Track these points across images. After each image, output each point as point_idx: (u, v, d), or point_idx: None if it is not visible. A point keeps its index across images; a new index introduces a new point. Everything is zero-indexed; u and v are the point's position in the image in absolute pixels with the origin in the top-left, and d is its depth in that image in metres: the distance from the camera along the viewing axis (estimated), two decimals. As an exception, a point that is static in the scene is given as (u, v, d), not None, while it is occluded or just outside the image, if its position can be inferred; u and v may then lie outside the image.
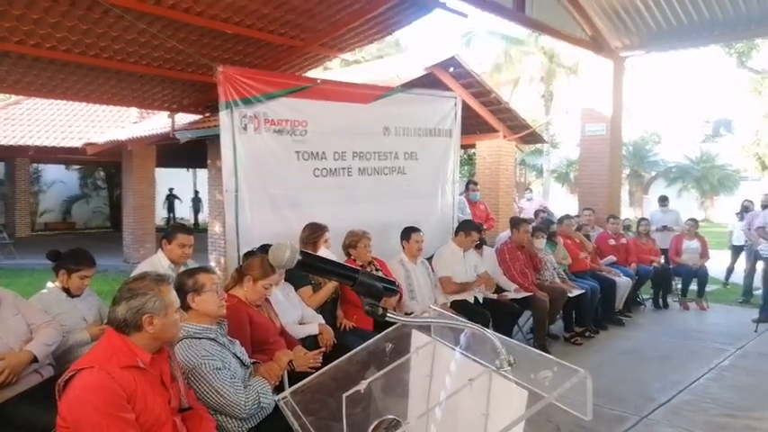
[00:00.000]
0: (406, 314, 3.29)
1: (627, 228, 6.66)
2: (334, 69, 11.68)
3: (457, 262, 3.94)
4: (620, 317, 5.19)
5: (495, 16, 5.30)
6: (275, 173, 3.47)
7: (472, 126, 7.95)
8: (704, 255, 6.02)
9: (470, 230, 3.99)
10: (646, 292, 5.95)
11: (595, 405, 1.00)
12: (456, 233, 4.09)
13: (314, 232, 3.21)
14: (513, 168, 9.84)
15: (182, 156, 10.33)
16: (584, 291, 4.56)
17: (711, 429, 2.92)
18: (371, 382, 1.31)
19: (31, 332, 2.21)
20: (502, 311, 3.90)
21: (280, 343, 2.39)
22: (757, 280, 6.03)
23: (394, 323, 1.25)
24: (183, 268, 2.71)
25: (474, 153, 10.05)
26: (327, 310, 3.14)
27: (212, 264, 6.69)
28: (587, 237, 5.48)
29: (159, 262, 2.85)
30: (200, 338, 1.86)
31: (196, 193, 16.14)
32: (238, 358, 1.97)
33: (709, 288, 6.13)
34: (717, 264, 6.70)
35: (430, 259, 4.01)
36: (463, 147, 7.05)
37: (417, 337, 1.45)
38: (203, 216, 13.49)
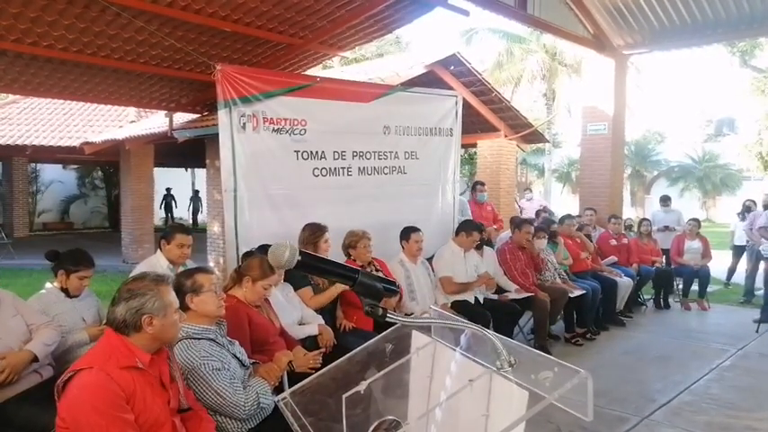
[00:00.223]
0: (406, 315, 3.27)
1: (628, 228, 6.65)
2: (333, 68, 11.67)
3: (457, 262, 3.92)
4: (622, 317, 5.18)
5: (497, 14, 5.29)
6: (274, 172, 3.45)
7: (473, 125, 7.94)
8: (706, 255, 6.00)
9: (471, 231, 3.97)
10: (647, 293, 5.94)
11: (596, 406, 0.99)
12: (457, 233, 4.08)
13: (314, 233, 3.19)
14: (515, 168, 9.83)
15: (180, 155, 10.34)
16: (585, 291, 4.55)
17: (712, 430, 2.92)
18: (371, 382, 1.31)
19: (31, 333, 2.21)
20: (502, 312, 3.89)
21: (279, 343, 2.38)
22: (759, 280, 6.02)
23: (394, 324, 1.24)
24: (181, 269, 2.70)
25: (475, 152, 10.04)
26: (327, 310, 3.13)
27: (211, 264, 6.69)
28: (588, 237, 5.47)
29: (158, 262, 2.85)
30: (199, 339, 1.85)
31: (196, 192, 16.14)
32: (238, 359, 1.96)
33: (710, 288, 6.12)
34: (718, 264, 6.69)
35: (430, 259, 4.00)
36: (464, 146, 7.06)
37: (417, 338, 1.44)
38: (203, 216, 13.49)
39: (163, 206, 15.00)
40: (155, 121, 8.80)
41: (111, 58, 4.38)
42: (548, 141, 13.93)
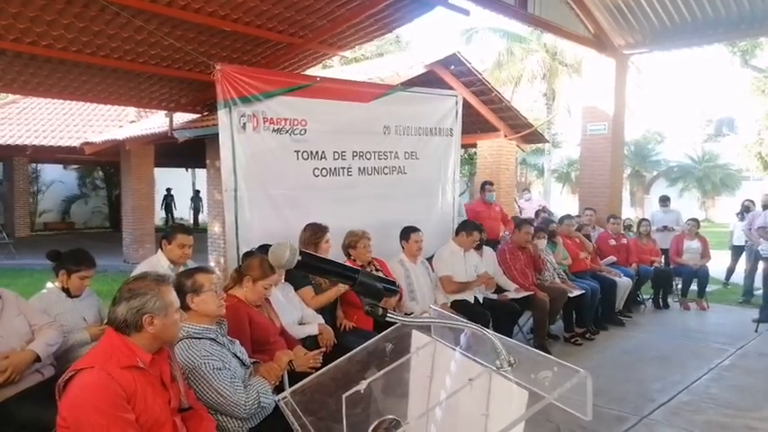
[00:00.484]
0: (406, 314, 3.28)
1: (628, 228, 6.64)
2: (333, 67, 11.66)
3: (457, 262, 3.93)
4: (621, 317, 5.19)
5: (497, 14, 5.29)
6: (274, 172, 3.45)
7: (473, 125, 7.94)
8: (705, 255, 6.01)
9: (472, 230, 3.98)
10: (646, 293, 5.94)
11: (595, 405, 1.00)
12: (457, 233, 4.08)
13: (315, 233, 3.19)
14: (514, 168, 9.82)
15: (180, 155, 10.33)
16: (584, 291, 4.55)
17: (711, 429, 2.92)
18: (371, 382, 1.31)
19: (33, 333, 2.22)
20: (502, 311, 3.90)
21: (280, 343, 2.39)
22: (758, 280, 6.01)
23: (394, 323, 1.25)
24: (182, 269, 2.70)
25: (475, 152, 10.04)
26: (327, 310, 3.13)
27: (212, 264, 6.69)
28: (588, 237, 5.47)
29: (159, 262, 2.85)
30: (199, 338, 1.85)
31: (197, 192, 16.14)
32: (238, 358, 1.97)
33: (709, 288, 6.12)
34: (717, 264, 6.69)
35: (430, 259, 4.01)
36: (464, 146, 7.05)
37: (417, 338, 1.45)
38: (203, 216, 13.50)
39: (163, 206, 15.01)
40: (155, 121, 8.80)
41: (110, 57, 4.38)
42: (547, 141, 13.93)
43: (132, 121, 10.49)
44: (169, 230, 3.02)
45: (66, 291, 2.49)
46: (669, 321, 5.39)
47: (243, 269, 2.43)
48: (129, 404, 1.40)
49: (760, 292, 5.69)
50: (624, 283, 5.19)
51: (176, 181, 15.48)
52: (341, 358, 1.44)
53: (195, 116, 6.42)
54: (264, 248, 2.58)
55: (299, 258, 1.05)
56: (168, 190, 15.10)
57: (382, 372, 1.37)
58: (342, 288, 3.03)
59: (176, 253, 2.85)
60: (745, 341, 4.58)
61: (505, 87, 15.18)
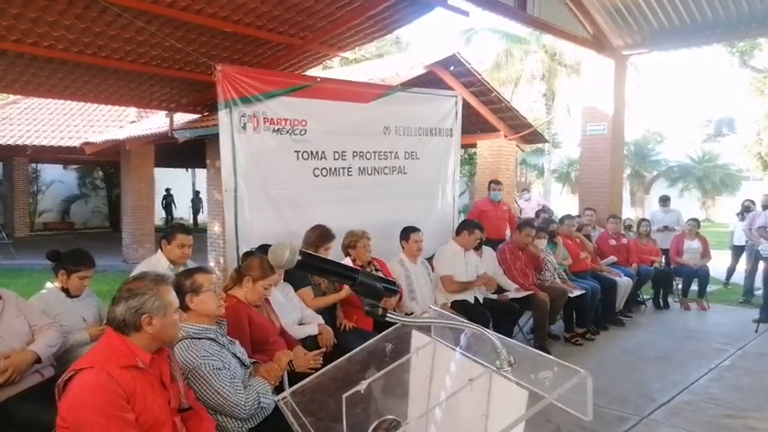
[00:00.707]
0: (406, 314, 3.28)
1: (628, 228, 6.64)
2: (334, 68, 11.67)
3: (458, 261, 3.93)
4: (621, 317, 5.18)
5: (497, 15, 5.29)
6: (275, 172, 3.46)
7: (473, 125, 7.94)
8: (705, 255, 6.01)
9: (473, 228, 3.98)
10: (646, 293, 5.94)
11: (596, 405, 1.00)
12: (458, 233, 4.07)
13: (322, 238, 3.19)
14: (514, 168, 9.82)
15: (180, 155, 10.33)
16: (584, 291, 4.55)
17: (712, 429, 2.92)
18: (371, 382, 1.31)
19: (33, 333, 2.22)
20: (502, 312, 3.89)
21: (279, 343, 2.39)
22: (758, 280, 6.01)
23: (394, 323, 1.25)
24: (182, 269, 2.70)
25: (474, 152, 10.04)
26: (327, 310, 3.13)
27: (212, 264, 6.69)
28: (588, 237, 5.47)
29: (158, 262, 2.85)
30: (199, 338, 1.85)
31: (197, 193, 16.15)
32: (238, 358, 1.97)
33: (709, 288, 6.12)
34: (718, 264, 6.69)
35: (430, 259, 4.00)
36: (464, 146, 7.05)
37: (417, 338, 1.45)
38: (203, 216, 13.51)
39: (163, 206, 15.02)
40: (155, 122, 8.80)
41: (111, 58, 4.38)
42: (547, 141, 13.92)
43: (133, 122, 10.49)
44: (169, 230, 3.02)
45: (65, 291, 2.48)
46: (669, 321, 5.39)
47: (243, 269, 2.43)
48: (129, 404, 1.39)
49: (760, 292, 5.68)
50: (624, 283, 5.19)
51: (176, 181, 15.48)
52: (341, 358, 1.44)
53: (195, 116, 6.42)
54: (264, 248, 2.58)
55: (299, 258, 1.05)
56: (168, 190, 15.11)
57: (382, 372, 1.36)
58: (342, 294, 3.03)
59: (176, 253, 2.85)
60: (745, 341, 4.58)
61: (505, 88, 15.19)
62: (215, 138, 3.98)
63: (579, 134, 6.99)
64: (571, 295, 4.41)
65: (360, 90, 4.09)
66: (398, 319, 1.17)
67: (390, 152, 4.14)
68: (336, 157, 3.77)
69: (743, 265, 6.72)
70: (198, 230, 10.27)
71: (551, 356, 1.10)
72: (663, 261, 6.15)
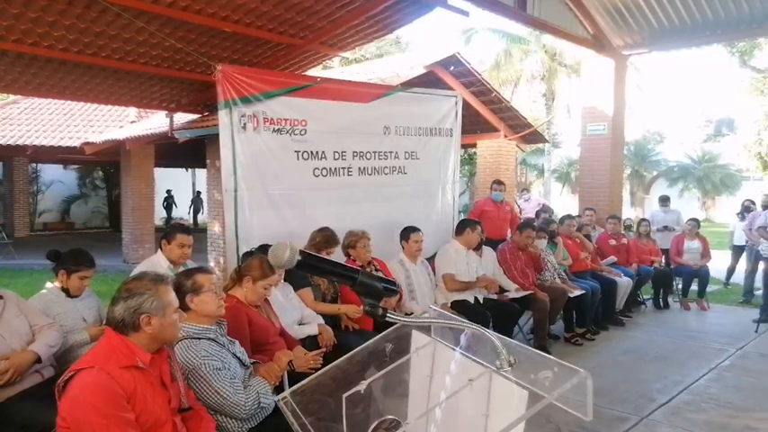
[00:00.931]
0: (406, 314, 3.28)
1: (628, 228, 6.64)
2: (334, 68, 11.67)
3: (460, 261, 3.93)
4: (621, 317, 5.18)
5: (497, 15, 5.29)
6: (275, 172, 3.46)
7: (473, 125, 7.94)
8: (705, 255, 6.01)
9: (475, 225, 3.98)
10: (646, 293, 5.94)
11: (596, 405, 1.00)
12: (459, 232, 4.06)
13: (327, 242, 3.19)
14: (514, 168, 9.82)
15: (181, 155, 10.35)
16: (584, 291, 4.55)
17: (711, 429, 2.92)
18: (371, 382, 1.31)
19: (33, 334, 2.22)
20: (502, 311, 3.89)
21: (279, 343, 2.39)
22: (758, 280, 6.02)
23: (394, 323, 1.25)
24: (182, 269, 2.70)
25: (475, 152, 10.05)
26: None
27: (212, 264, 6.69)
28: (588, 237, 5.47)
29: (158, 262, 2.85)
30: (199, 339, 1.85)
31: (198, 193, 16.15)
32: (238, 358, 1.97)
33: (709, 288, 6.12)
34: (718, 264, 6.69)
35: (430, 259, 4.00)
36: (464, 146, 7.06)
37: (417, 338, 1.44)
38: (203, 216, 13.51)
39: (164, 207, 15.04)
40: (155, 122, 8.80)
41: (111, 58, 4.38)
42: (547, 141, 13.92)
43: (133, 122, 10.49)
44: (169, 230, 3.02)
45: (65, 291, 2.48)
46: (669, 321, 5.39)
47: (243, 269, 2.43)
48: (129, 404, 1.40)
49: (760, 292, 5.69)
50: (624, 283, 5.19)
51: (177, 181, 15.49)
52: (341, 358, 1.43)
53: (195, 116, 6.42)
54: (264, 248, 2.58)
55: (299, 258, 1.05)
56: (169, 191, 15.12)
57: (382, 372, 1.36)
58: (344, 309, 3.01)
59: (176, 253, 2.85)
60: (745, 341, 4.58)
61: (505, 88, 15.20)
62: (215, 138, 3.98)
63: (579, 134, 6.99)
64: (571, 295, 4.41)
65: (360, 90, 4.09)
66: (398, 319, 1.17)
67: (390, 152, 4.14)
68: (336, 157, 3.77)
69: (743, 265, 6.72)
70: (198, 230, 10.27)
71: (551, 356, 1.10)
72: (663, 261, 6.15)
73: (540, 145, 13.47)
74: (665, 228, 6.73)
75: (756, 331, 4.87)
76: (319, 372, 1.48)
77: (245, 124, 3.28)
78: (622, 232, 5.94)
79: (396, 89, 4.42)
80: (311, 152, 3.63)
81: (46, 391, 1.80)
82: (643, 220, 6.46)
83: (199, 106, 6.03)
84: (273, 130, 3.42)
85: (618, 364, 4.01)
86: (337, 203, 3.74)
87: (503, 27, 15.74)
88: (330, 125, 3.70)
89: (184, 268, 2.66)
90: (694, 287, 5.94)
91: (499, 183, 5.39)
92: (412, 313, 3.42)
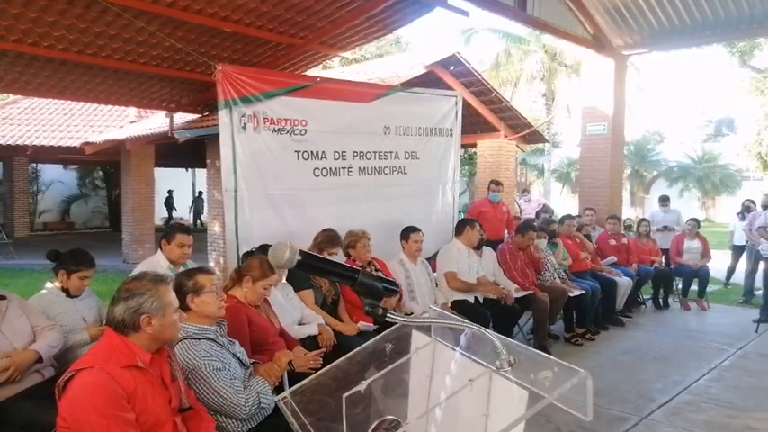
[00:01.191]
0: (406, 314, 3.28)
1: (628, 228, 6.64)
2: (334, 68, 11.67)
3: (462, 260, 3.94)
4: (621, 317, 5.18)
5: (497, 15, 5.29)
6: (275, 172, 3.46)
7: (473, 125, 7.94)
8: (705, 255, 6.01)
9: (473, 223, 3.98)
10: (646, 293, 5.94)
11: (596, 405, 1.00)
12: (459, 232, 4.06)
13: (330, 242, 3.20)
14: (514, 168, 9.82)
15: (181, 155, 10.34)
16: (584, 291, 4.55)
17: (711, 429, 2.92)
18: (371, 382, 1.31)
19: (35, 334, 2.23)
20: (502, 311, 3.89)
21: (279, 343, 2.39)
22: (758, 280, 6.02)
23: (394, 323, 1.25)
24: (182, 269, 2.70)
25: (474, 152, 10.04)
26: (328, 311, 3.13)
27: (212, 264, 6.69)
28: (588, 237, 5.47)
29: (158, 262, 2.85)
30: (199, 339, 1.85)
31: (199, 193, 16.14)
32: (238, 359, 1.97)
33: (709, 288, 6.12)
34: (718, 264, 6.69)
35: (430, 259, 4.00)
36: (464, 146, 7.06)
37: (417, 338, 1.44)
38: (204, 217, 13.52)
39: (165, 207, 15.05)
40: (155, 122, 8.80)
41: (111, 58, 4.38)
42: (547, 141, 13.92)
43: (133, 122, 10.49)
44: (168, 230, 3.02)
45: (65, 291, 2.48)
46: (669, 321, 5.39)
47: (243, 269, 2.43)
48: (129, 404, 1.40)
49: (760, 292, 5.69)
50: (624, 283, 5.19)
51: (177, 181, 15.49)
52: (341, 358, 1.43)
53: (196, 116, 6.42)
54: (264, 248, 2.58)
55: (299, 258, 1.05)
56: (170, 192, 15.13)
57: (382, 372, 1.36)
58: (339, 327, 2.97)
59: (176, 253, 2.85)
60: (745, 341, 4.58)
61: (505, 88, 15.19)
62: (215, 138, 3.99)
63: (579, 134, 6.99)
64: (571, 295, 4.42)
65: (360, 90, 4.09)
66: (398, 319, 1.17)
67: (390, 152, 4.14)
68: (336, 157, 3.77)
69: (743, 265, 6.72)
70: (198, 230, 10.28)
71: (551, 356, 1.10)
72: (663, 261, 6.16)
73: (540, 145, 13.47)
74: (665, 228, 6.73)
75: (756, 331, 4.87)
76: (319, 372, 1.48)
77: (245, 124, 3.28)
78: (622, 232, 5.94)
79: (396, 89, 4.42)
80: (311, 152, 3.63)
81: (46, 391, 1.80)
82: (643, 220, 6.46)
83: (199, 106, 6.03)
84: (273, 130, 3.42)
85: (618, 364, 4.01)
86: (337, 203, 3.74)
87: (503, 27, 15.76)
88: (330, 125, 3.70)
89: (184, 268, 2.66)
90: (694, 287, 5.94)
91: (497, 183, 5.37)
92: (412, 313, 3.42)
